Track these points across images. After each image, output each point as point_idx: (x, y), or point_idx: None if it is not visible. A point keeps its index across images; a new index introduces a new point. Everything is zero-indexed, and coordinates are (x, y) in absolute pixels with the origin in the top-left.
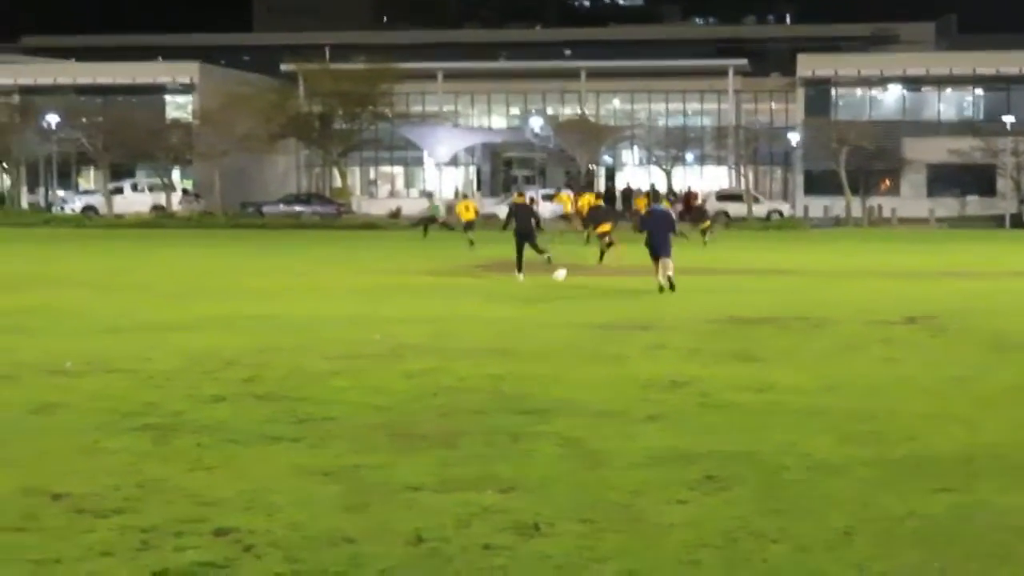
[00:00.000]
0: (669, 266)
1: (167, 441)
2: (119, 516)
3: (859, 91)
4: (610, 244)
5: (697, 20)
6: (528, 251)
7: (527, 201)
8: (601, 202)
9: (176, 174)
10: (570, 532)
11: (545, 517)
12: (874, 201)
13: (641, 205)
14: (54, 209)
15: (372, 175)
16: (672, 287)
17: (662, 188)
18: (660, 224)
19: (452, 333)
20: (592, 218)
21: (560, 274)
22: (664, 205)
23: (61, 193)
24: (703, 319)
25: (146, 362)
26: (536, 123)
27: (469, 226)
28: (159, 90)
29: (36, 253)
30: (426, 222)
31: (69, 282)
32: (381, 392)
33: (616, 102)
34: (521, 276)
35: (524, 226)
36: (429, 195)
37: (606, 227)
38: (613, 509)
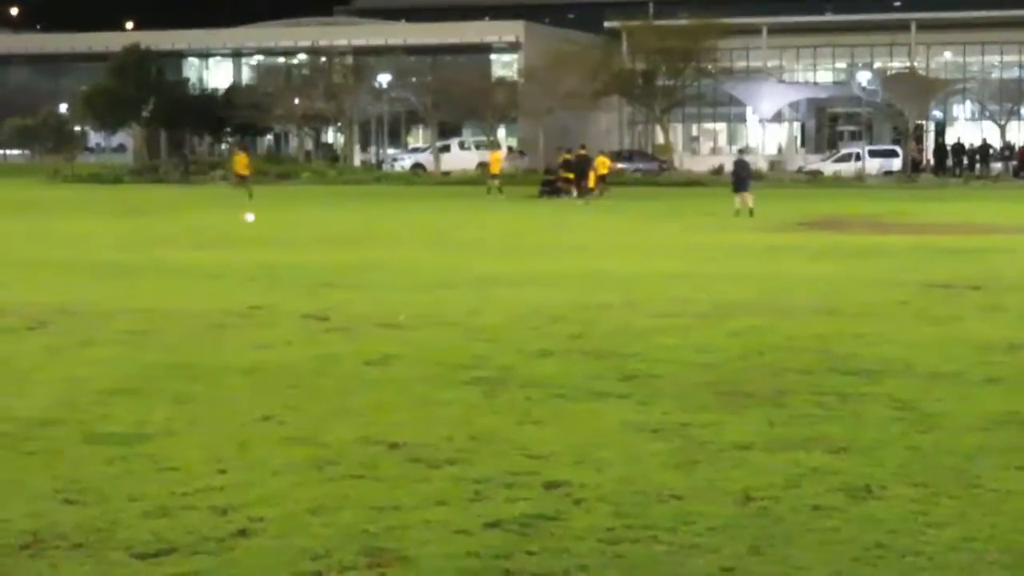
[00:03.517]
0: None
1: (497, 394)
2: (452, 467)
3: None
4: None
5: None
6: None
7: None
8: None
9: (501, 132)
10: (903, 496)
11: (877, 480)
12: None
13: None
14: (384, 167)
15: (694, 132)
16: None
17: (996, 143)
18: None
19: (777, 291)
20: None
21: None
22: None
23: (391, 151)
24: None
25: (475, 316)
26: (863, 77)
27: (494, 177)
28: (485, 49)
29: (368, 210)
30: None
31: (399, 238)
32: (707, 350)
33: (947, 54)
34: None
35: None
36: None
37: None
38: (948, 474)
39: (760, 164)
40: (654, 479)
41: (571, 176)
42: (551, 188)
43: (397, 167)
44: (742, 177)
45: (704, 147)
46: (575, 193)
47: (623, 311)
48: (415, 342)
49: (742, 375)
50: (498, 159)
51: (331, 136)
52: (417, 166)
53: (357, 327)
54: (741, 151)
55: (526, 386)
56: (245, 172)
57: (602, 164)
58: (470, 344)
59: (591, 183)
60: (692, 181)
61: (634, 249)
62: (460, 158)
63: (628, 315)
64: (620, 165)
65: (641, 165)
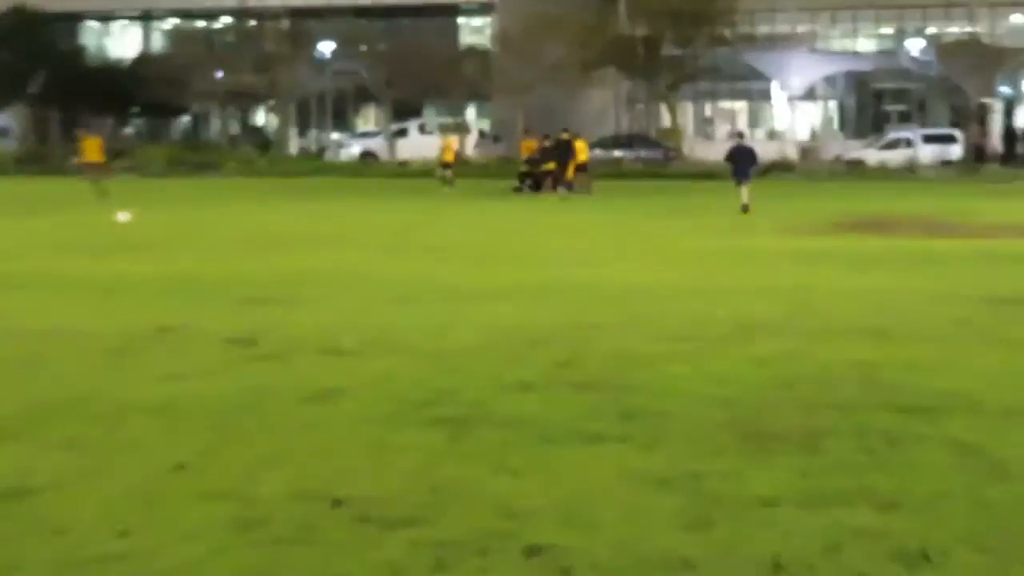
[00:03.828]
0: None
1: (465, 437)
2: (410, 528)
3: None
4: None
5: None
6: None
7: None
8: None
9: (471, 112)
10: (968, 563)
11: (935, 544)
12: None
13: None
14: (327, 155)
15: (708, 112)
16: None
17: None
18: None
19: (812, 308)
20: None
21: None
22: None
23: (336, 136)
24: None
25: (439, 339)
26: (914, 46)
27: (447, 166)
28: (452, 11)
29: (307, 208)
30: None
31: (347, 242)
32: (726, 381)
33: (1017, 18)
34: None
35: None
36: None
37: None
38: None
39: (789, 152)
40: (660, 542)
41: (552, 167)
42: (531, 182)
43: (343, 155)
44: (742, 166)
45: (720, 131)
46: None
47: (621, 333)
48: (365, 373)
49: (768, 412)
50: (451, 146)
51: (262, 118)
52: (367, 155)
53: (293, 354)
54: (739, 135)
55: (502, 427)
56: (98, 159)
57: (580, 150)
58: (433, 375)
59: (569, 173)
60: (705, 172)
61: (634, 256)
62: (420, 144)
63: (627, 338)
64: (618, 153)
65: (643, 153)
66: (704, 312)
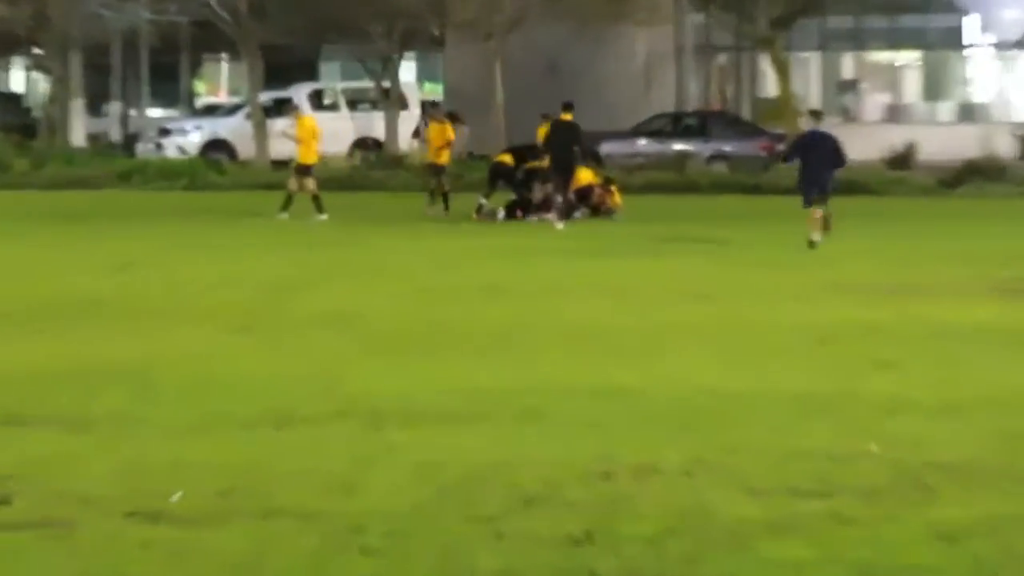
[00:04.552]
0: None
1: None
2: None
3: None
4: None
5: None
6: None
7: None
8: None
9: (408, 70)
10: None
11: None
12: None
13: None
14: (142, 148)
15: (846, 72)
16: None
17: None
18: None
19: None
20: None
21: None
22: None
23: (157, 115)
24: None
25: (351, 495)
26: None
27: (437, 171)
28: None
29: (106, 246)
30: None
31: (175, 312)
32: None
33: None
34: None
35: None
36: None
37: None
38: None
39: (999, 143)
40: None
41: (542, 165)
42: (516, 202)
43: (172, 148)
44: (816, 170)
45: (870, 106)
46: (549, 208)
47: (689, 482)
48: (206, 552)
49: None
50: (444, 134)
51: (24, 82)
52: (217, 147)
53: (85, 520)
54: (815, 115)
55: None
56: None
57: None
58: (341, 559)
59: (582, 180)
60: (842, 182)
61: (705, 337)
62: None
63: (700, 491)
64: (680, 146)
65: (728, 146)
66: (837, 444)
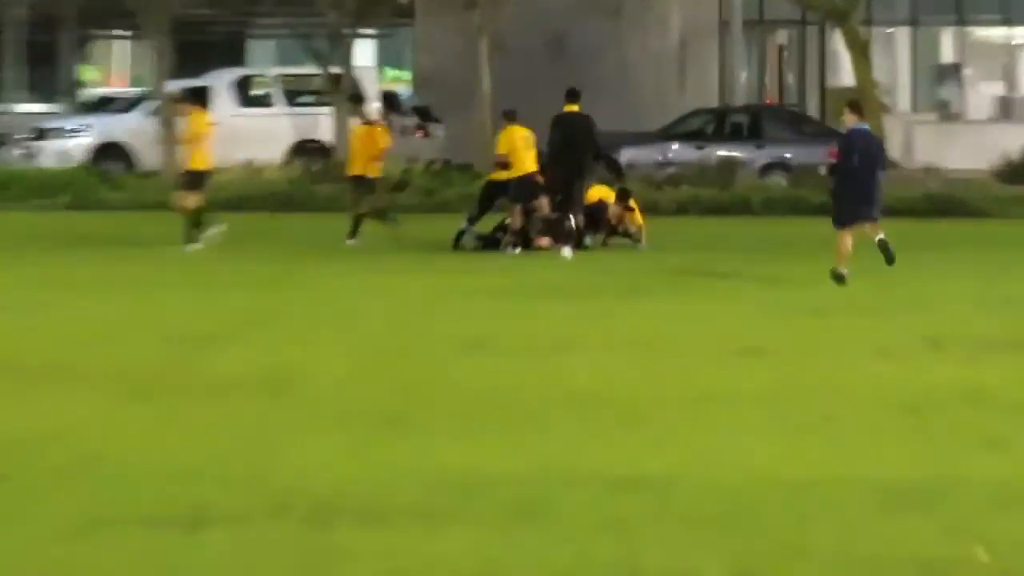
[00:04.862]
0: None
1: None
2: None
3: None
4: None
5: None
6: None
7: None
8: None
9: (365, 51)
10: None
11: None
12: None
13: None
14: (7, 155)
15: (946, 55)
16: None
17: None
18: None
19: None
20: None
21: None
22: None
23: (29, 111)
24: None
25: None
26: None
27: (363, 185)
28: None
29: None
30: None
31: (47, 374)
32: None
33: None
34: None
35: None
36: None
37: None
38: None
39: None
40: None
41: (538, 180)
42: (497, 229)
43: (46, 155)
44: (864, 178)
45: (977, 99)
46: (552, 236)
47: None
48: None
49: None
50: (373, 140)
51: None
52: (109, 153)
53: None
54: (854, 109)
55: None
56: None
57: (597, 191)
58: None
59: (593, 195)
60: (932, 200)
61: (750, 408)
62: (240, 129)
63: None
64: (726, 152)
65: (788, 153)
66: (933, 549)
